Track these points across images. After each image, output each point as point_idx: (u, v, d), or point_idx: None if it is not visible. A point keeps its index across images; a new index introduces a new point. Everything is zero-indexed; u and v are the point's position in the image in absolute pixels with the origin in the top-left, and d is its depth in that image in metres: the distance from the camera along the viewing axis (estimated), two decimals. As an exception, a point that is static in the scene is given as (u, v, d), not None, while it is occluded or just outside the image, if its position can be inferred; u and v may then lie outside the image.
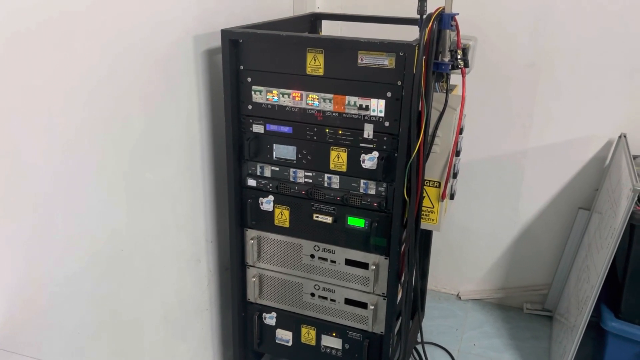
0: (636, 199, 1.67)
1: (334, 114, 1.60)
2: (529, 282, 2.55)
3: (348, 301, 1.79)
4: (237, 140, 1.72)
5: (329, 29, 2.21)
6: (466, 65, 1.53)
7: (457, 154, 1.70)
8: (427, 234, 2.22)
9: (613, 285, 1.92)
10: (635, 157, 1.94)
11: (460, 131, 1.67)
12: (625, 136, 2.11)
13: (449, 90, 1.56)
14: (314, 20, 2.13)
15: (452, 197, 1.75)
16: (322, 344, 1.87)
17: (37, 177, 1.17)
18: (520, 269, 2.54)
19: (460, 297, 2.66)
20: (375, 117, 1.55)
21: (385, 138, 1.57)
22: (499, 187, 2.43)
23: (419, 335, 2.14)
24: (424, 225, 1.70)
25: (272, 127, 1.68)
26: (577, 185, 2.31)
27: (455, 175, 1.71)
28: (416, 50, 1.42)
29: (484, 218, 2.50)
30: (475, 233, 2.54)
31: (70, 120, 1.23)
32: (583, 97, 2.19)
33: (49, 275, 1.24)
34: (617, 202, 1.83)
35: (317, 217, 1.71)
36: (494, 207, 2.47)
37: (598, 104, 2.18)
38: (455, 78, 1.66)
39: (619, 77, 2.12)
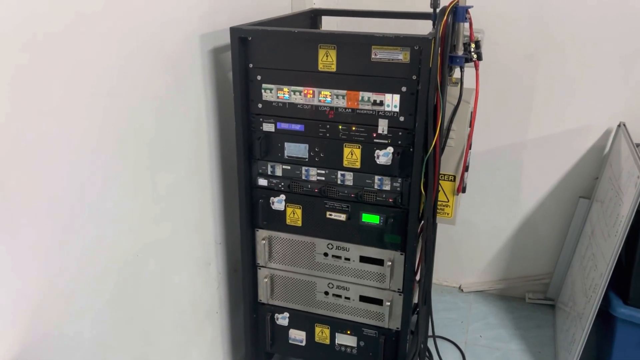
0: (644, 186, 1.69)
1: (347, 110, 1.58)
2: (530, 272, 2.57)
3: (363, 298, 1.78)
4: (247, 139, 1.69)
5: (326, 25, 2.19)
6: (479, 58, 1.53)
7: (469, 146, 1.70)
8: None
9: (619, 271, 1.94)
10: (637, 145, 1.97)
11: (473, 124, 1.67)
12: (624, 124, 2.14)
13: (462, 84, 1.56)
14: (314, 16, 2.11)
15: (464, 190, 1.75)
16: (336, 342, 1.86)
17: (58, 186, 1.14)
18: (521, 259, 2.56)
19: (462, 290, 2.68)
20: (389, 112, 1.54)
21: (400, 133, 1.56)
22: (499, 178, 2.44)
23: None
24: (440, 219, 1.70)
25: (283, 126, 1.65)
26: (576, 175, 2.34)
27: (467, 169, 1.71)
28: (432, 44, 1.42)
29: (484, 210, 2.52)
30: (476, 225, 2.55)
31: (91, 126, 1.20)
32: (581, 87, 2.21)
33: (71, 286, 1.20)
34: (623, 190, 1.85)
35: (331, 214, 1.70)
36: (494, 199, 2.48)
37: (596, 93, 2.20)
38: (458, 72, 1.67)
39: (617, 67, 2.15)
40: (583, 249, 2.24)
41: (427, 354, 2.17)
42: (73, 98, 1.14)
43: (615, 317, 1.90)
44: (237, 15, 1.80)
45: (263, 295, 1.87)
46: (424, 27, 1.76)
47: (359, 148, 1.61)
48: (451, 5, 1.45)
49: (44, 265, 1.13)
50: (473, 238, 2.59)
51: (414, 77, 1.48)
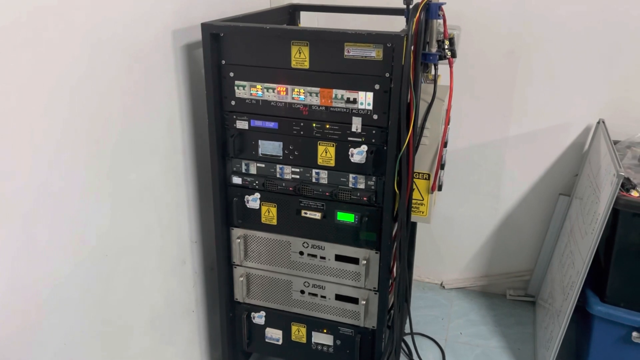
0: (620, 184, 1.69)
1: (320, 108, 1.56)
2: (511, 269, 2.57)
3: (339, 297, 1.77)
4: (221, 137, 1.67)
5: (306, 20, 2.17)
6: (453, 55, 1.51)
7: (445, 144, 1.69)
8: (412, 225, 2.21)
9: (596, 269, 1.94)
10: (615, 143, 1.97)
11: (448, 122, 1.66)
12: (603, 122, 2.14)
13: (436, 81, 1.54)
14: (292, 11, 2.09)
15: (439, 188, 1.74)
16: (313, 341, 1.85)
17: (23, 182, 1.12)
18: (502, 256, 2.56)
19: (444, 287, 2.68)
20: (363, 110, 1.53)
21: (374, 131, 1.54)
22: (480, 175, 2.43)
23: (407, 326, 2.13)
24: (414, 218, 1.69)
25: (257, 123, 1.63)
26: (557, 172, 2.34)
27: (442, 167, 1.70)
28: (405, 41, 1.40)
29: (465, 207, 2.51)
30: (457, 222, 2.55)
31: (53, 122, 1.18)
32: (561, 84, 2.20)
33: (37, 286, 1.19)
34: (600, 188, 1.85)
35: (306, 213, 1.68)
36: (475, 196, 2.48)
37: (576, 90, 2.20)
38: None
39: (596, 64, 2.14)
40: (562, 246, 2.24)
41: (406, 351, 2.17)
42: (35, 94, 1.12)
43: (592, 314, 1.90)
44: (212, 10, 1.78)
45: (239, 294, 1.86)
46: (402, 24, 1.74)
47: (333, 146, 1.59)
48: (424, 2, 1.43)
49: (10, 267, 1.11)
50: (455, 235, 2.58)
51: (387, 75, 1.47)
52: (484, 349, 2.28)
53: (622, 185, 1.74)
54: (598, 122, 2.17)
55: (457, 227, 2.56)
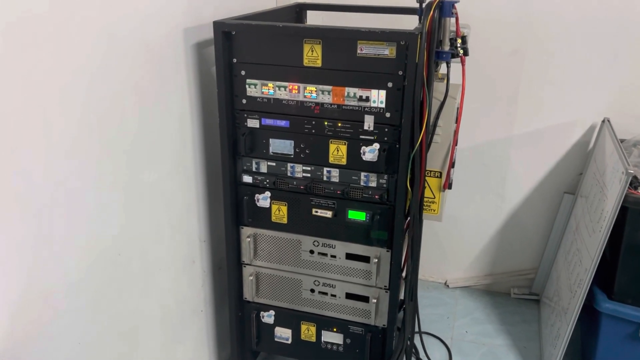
0: (629, 182, 1.70)
1: (332, 106, 1.56)
2: (515, 267, 2.58)
3: (349, 295, 1.76)
4: (232, 135, 1.67)
5: (311, 20, 2.17)
6: (466, 53, 1.52)
7: (456, 143, 1.69)
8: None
9: (603, 266, 1.95)
10: (622, 141, 1.98)
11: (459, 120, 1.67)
12: (608, 120, 2.15)
13: (449, 79, 1.55)
14: (299, 10, 2.09)
15: (450, 186, 1.75)
16: (322, 340, 1.85)
17: (38, 183, 1.11)
18: (507, 254, 2.57)
19: (448, 285, 2.68)
20: (375, 108, 1.53)
21: (386, 129, 1.54)
22: (485, 174, 2.44)
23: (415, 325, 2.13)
24: (426, 216, 1.69)
25: (268, 121, 1.63)
26: (561, 170, 2.35)
27: (453, 165, 1.71)
28: (419, 39, 1.40)
29: (470, 205, 2.52)
30: (461, 221, 2.55)
31: (68, 122, 1.17)
32: (566, 83, 2.21)
33: (52, 286, 1.18)
34: (608, 186, 1.86)
35: (317, 211, 1.68)
36: (480, 194, 2.49)
37: (581, 89, 2.21)
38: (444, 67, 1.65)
39: (601, 63, 2.15)
40: (568, 244, 2.25)
41: (413, 350, 2.17)
42: (49, 93, 1.11)
43: (599, 312, 1.91)
44: (221, 8, 1.77)
45: (248, 293, 1.85)
46: (410, 23, 1.74)
47: (344, 144, 1.59)
48: (437, 0, 1.43)
49: (25, 265, 1.10)
50: (459, 234, 2.59)
51: (400, 73, 1.47)
52: (490, 348, 2.29)
53: (630, 183, 1.75)
54: (603, 121, 2.19)
55: (461, 226, 2.56)
